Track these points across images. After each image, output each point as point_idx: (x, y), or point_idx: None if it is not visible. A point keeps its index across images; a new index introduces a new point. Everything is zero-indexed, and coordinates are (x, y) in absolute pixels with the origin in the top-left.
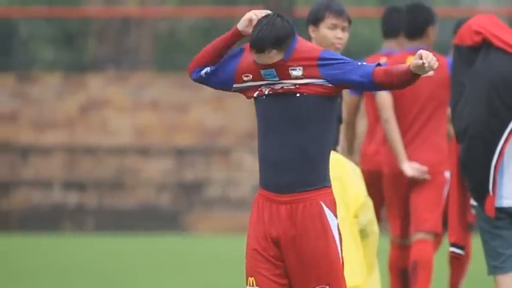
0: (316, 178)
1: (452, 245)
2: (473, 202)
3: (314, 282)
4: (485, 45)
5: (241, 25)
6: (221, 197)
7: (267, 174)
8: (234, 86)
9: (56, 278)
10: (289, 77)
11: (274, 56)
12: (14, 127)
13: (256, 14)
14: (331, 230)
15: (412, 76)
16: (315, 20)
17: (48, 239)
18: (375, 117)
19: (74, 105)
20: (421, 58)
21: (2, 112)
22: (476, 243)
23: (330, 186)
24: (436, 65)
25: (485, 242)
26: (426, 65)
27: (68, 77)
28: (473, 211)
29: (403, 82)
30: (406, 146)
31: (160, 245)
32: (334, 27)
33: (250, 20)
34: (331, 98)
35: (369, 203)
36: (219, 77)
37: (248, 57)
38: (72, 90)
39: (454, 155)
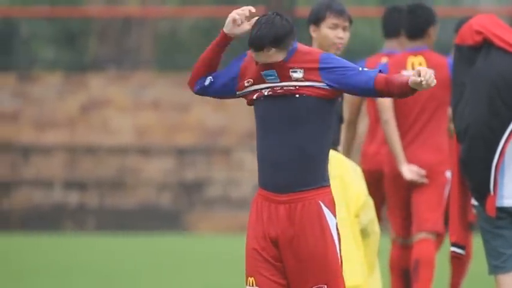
0: (315, 178)
1: (453, 244)
2: (474, 202)
3: (312, 281)
4: (486, 45)
5: (226, 28)
6: (222, 197)
7: (266, 174)
8: (238, 93)
9: (56, 277)
10: (290, 79)
11: (273, 55)
12: (15, 127)
13: (239, 13)
14: (329, 229)
15: (410, 89)
16: (316, 19)
17: (49, 239)
18: (376, 117)
19: (75, 104)
20: (419, 75)
21: (3, 112)
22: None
23: (329, 186)
24: (434, 83)
25: (486, 242)
26: (424, 83)
27: (69, 76)
28: (474, 211)
29: (401, 93)
30: (407, 146)
31: (161, 244)
32: (335, 26)
33: (234, 20)
34: (330, 101)
35: (370, 203)
36: (221, 85)
37: (249, 64)
38: (73, 89)
39: (455, 155)
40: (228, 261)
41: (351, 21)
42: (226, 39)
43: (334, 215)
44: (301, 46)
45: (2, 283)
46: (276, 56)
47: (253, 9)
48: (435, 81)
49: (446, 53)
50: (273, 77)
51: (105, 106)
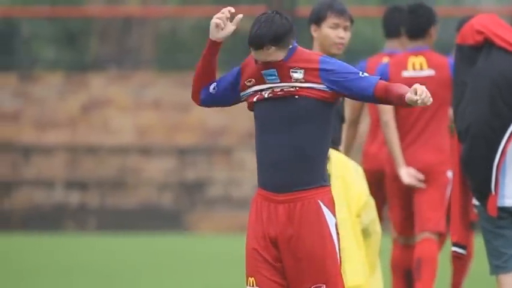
0: (314, 177)
1: (454, 244)
2: (475, 202)
3: (311, 281)
4: (487, 45)
5: (212, 35)
6: (223, 197)
7: (265, 173)
8: (241, 94)
9: (58, 277)
10: (290, 79)
11: (273, 53)
12: (16, 126)
13: (219, 17)
14: (329, 228)
15: (405, 103)
16: (317, 19)
17: (50, 239)
18: (377, 118)
19: (75, 104)
20: (416, 93)
21: (4, 111)
22: (478, 242)
23: (329, 185)
24: (429, 102)
25: (487, 242)
26: (419, 102)
27: (69, 76)
28: (475, 210)
29: (399, 104)
30: (409, 146)
31: (162, 244)
32: (336, 26)
33: (217, 25)
34: (330, 103)
35: (371, 203)
36: (226, 88)
37: (249, 63)
38: (74, 89)
39: (456, 155)
40: (229, 261)
41: (352, 21)
42: (215, 45)
43: (334, 215)
44: (301, 48)
45: (3, 283)
46: (275, 54)
47: (232, 9)
48: (431, 100)
49: (447, 52)
50: (273, 77)
51: (106, 106)
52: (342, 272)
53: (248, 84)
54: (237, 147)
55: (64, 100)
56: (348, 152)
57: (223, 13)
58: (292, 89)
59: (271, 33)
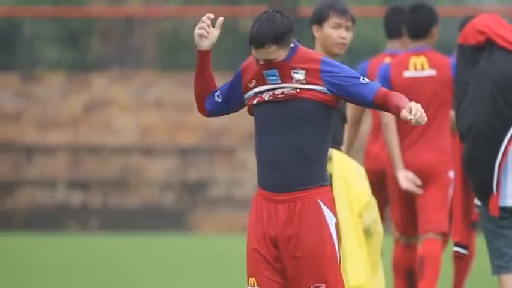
0: (314, 177)
1: (456, 244)
2: (477, 202)
3: (311, 280)
4: (489, 45)
5: (199, 46)
6: (225, 197)
7: (265, 174)
8: (244, 96)
9: (59, 277)
10: (291, 80)
11: (274, 52)
12: (18, 126)
13: (200, 27)
14: (328, 228)
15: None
16: (319, 19)
17: (52, 239)
18: (379, 118)
19: (78, 104)
20: (410, 112)
21: (6, 111)
22: (480, 242)
23: (329, 185)
24: (424, 121)
25: (489, 242)
26: (413, 122)
27: (71, 76)
28: (477, 210)
29: (395, 115)
30: (410, 146)
31: (164, 244)
32: (338, 26)
33: (201, 35)
34: (330, 106)
35: (373, 203)
36: (229, 93)
37: (251, 66)
38: (76, 89)
39: (458, 155)
40: (231, 261)
41: (353, 21)
42: (205, 55)
43: (334, 214)
44: (302, 48)
45: (5, 283)
46: (276, 52)
47: (211, 15)
48: (426, 119)
49: (449, 52)
50: (274, 77)
51: (108, 106)
52: (343, 271)
53: (250, 85)
54: (239, 147)
55: (66, 100)
56: (348, 152)
57: (203, 22)
58: (293, 92)
59: (272, 31)
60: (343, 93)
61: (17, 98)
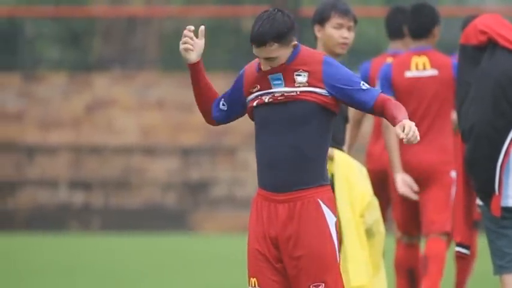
0: (314, 176)
1: (458, 244)
2: (479, 202)
3: (310, 279)
4: (490, 45)
5: (186, 60)
6: (227, 197)
7: (265, 174)
8: (247, 99)
9: (61, 277)
10: (294, 83)
11: (275, 50)
12: (20, 126)
13: (184, 41)
14: (328, 227)
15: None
16: (321, 19)
17: (54, 239)
18: (381, 118)
19: (79, 104)
20: (403, 130)
21: (8, 111)
22: (482, 242)
23: (328, 184)
24: (416, 140)
25: (491, 242)
26: (405, 141)
27: (73, 76)
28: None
29: (391, 124)
30: (412, 146)
31: (165, 244)
32: (339, 26)
33: (187, 50)
34: (330, 109)
35: (375, 203)
36: (233, 98)
37: (252, 71)
38: (78, 89)
39: (460, 155)
40: (232, 261)
41: (355, 21)
42: (197, 66)
43: (334, 213)
44: (304, 48)
45: (6, 282)
46: (278, 51)
47: (191, 27)
48: (418, 138)
49: (451, 52)
50: (279, 81)
51: (110, 106)
52: (345, 272)
53: (253, 90)
54: (241, 147)
55: (68, 100)
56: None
57: (185, 36)
58: (293, 94)
59: (273, 30)
60: (343, 96)
61: (19, 98)
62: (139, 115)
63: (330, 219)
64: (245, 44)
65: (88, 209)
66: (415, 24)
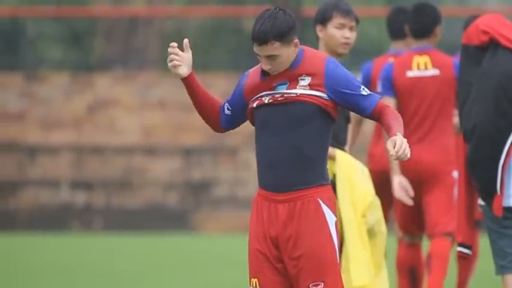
0: (313, 176)
1: (460, 244)
2: (481, 202)
3: (310, 278)
4: (492, 45)
5: (178, 75)
6: (229, 197)
7: (265, 174)
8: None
9: (63, 277)
10: (296, 86)
11: (277, 48)
12: (21, 126)
13: (171, 58)
14: (328, 227)
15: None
16: (323, 19)
17: (56, 239)
18: None
19: (81, 104)
20: (394, 147)
21: (10, 111)
22: (484, 242)
23: (329, 184)
24: (406, 158)
25: (493, 242)
26: (394, 158)
27: (75, 76)
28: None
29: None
30: (414, 145)
31: (167, 244)
32: (341, 26)
33: (175, 66)
34: (329, 112)
35: (377, 203)
36: (237, 103)
37: (255, 79)
38: (79, 89)
39: (462, 155)
40: (234, 261)
41: (357, 21)
42: (190, 79)
43: (334, 213)
44: (307, 51)
45: (8, 282)
46: (279, 49)
47: (174, 44)
48: (408, 156)
49: (452, 52)
50: (284, 86)
51: (111, 106)
52: (346, 271)
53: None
54: (243, 147)
55: (70, 100)
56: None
57: (170, 53)
58: (293, 95)
59: (275, 28)
60: (343, 100)
61: (21, 98)
62: (141, 115)
63: (330, 218)
64: (247, 44)
65: (90, 209)
66: (416, 24)
